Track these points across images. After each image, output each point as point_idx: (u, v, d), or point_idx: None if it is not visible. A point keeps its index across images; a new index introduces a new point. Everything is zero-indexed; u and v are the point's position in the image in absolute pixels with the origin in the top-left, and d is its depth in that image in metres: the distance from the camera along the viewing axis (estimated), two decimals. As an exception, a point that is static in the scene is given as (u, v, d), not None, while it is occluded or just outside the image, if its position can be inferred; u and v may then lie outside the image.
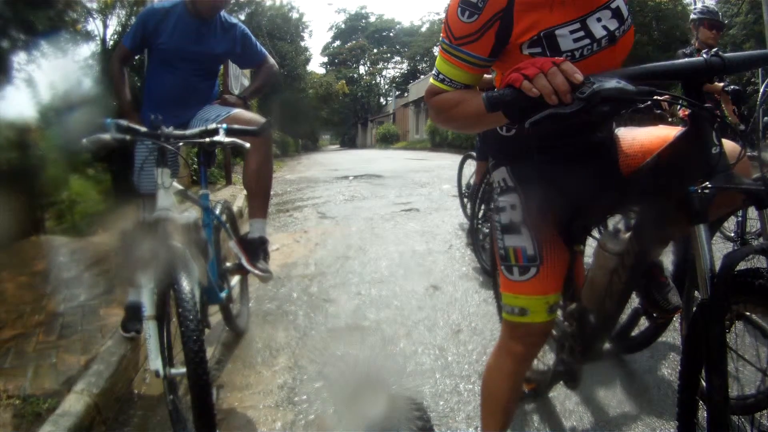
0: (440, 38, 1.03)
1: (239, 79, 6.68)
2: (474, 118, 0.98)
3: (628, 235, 1.15)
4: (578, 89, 0.78)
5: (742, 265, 0.87)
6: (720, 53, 0.86)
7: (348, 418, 1.65)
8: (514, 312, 1.15)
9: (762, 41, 7.13)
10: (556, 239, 1.14)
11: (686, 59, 0.91)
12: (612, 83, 0.77)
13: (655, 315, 1.26)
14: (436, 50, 35.88)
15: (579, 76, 0.78)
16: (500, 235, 1.17)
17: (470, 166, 4.10)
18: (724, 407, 0.84)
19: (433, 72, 1.05)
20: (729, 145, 0.96)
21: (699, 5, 3.41)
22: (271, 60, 2.41)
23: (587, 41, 0.97)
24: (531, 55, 0.97)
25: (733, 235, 2.98)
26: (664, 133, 1.10)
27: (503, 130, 1.14)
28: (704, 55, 0.87)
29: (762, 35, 6.86)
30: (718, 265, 0.86)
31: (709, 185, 0.86)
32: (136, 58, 2.47)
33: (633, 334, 1.73)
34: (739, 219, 2.88)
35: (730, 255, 0.85)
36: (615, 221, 1.38)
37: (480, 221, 3.30)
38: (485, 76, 1.13)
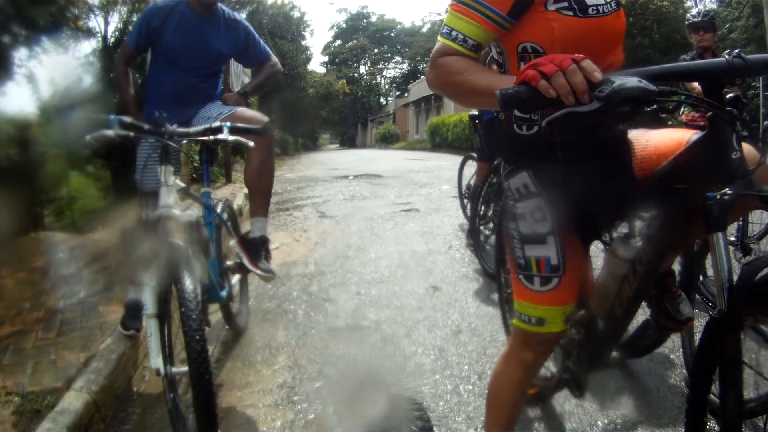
0: None
1: (240, 77, 6.67)
2: (477, 92, 0.95)
3: (640, 241, 1.11)
4: (597, 88, 0.75)
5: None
6: (743, 54, 0.83)
7: (348, 418, 1.65)
8: (531, 322, 1.11)
9: (763, 45, 7.15)
10: (577, 246, 1.10)
11: (709, 60, 0.88)
12: (633, 82, 0.74)
13: (665, 326, 1.21)
14: (436, 51, 35.71)
15: (599, 75, 0.75)
16: (519, 245, 1.10)
17: (471, 167, 4.10)
18: (737, 422, 0.81)
19: (443, 31, 0.99)
20: (746, 149, 0.92)
21: (697, 9, 3.39)
22: (275, 58, 2.40)
23: None
24: (557, 10, 0.95)
25: (733, 239, 2.98)
26: (678, 136, 1.07)
27: (523, 129, 1.07)
28: (726, 56, 0.84)
29: (763, 39, 6.88)
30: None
31: (730, 191, 0.82)
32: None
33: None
34: (740, 223, 2.88)
35: (749, 265, 0.83)
36: (627, 226, 1.35)
37: (481, 222, 3.30)
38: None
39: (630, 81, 0.74)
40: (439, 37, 1.01)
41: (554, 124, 0.76)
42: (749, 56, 0.83)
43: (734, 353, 0.82)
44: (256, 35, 2.33)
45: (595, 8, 0.96)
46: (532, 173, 1.08)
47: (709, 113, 0.86)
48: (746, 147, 0.93)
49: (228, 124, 1.69)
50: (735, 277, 0.85)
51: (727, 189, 0.83)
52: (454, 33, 0.98)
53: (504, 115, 1.09)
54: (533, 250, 1.08)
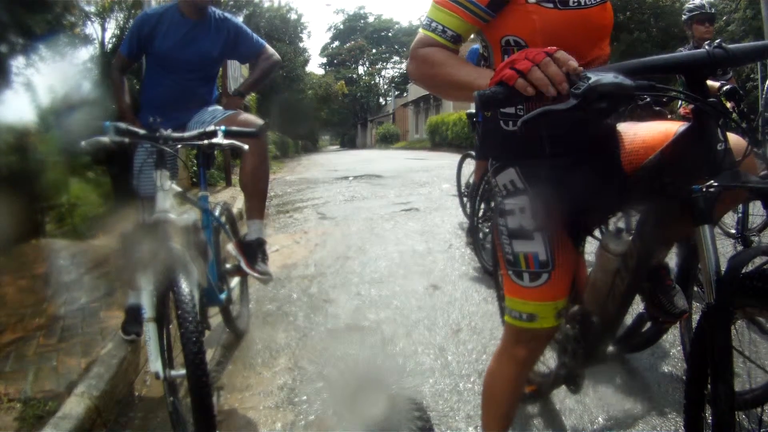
0: None
1: (238, 81, 6.69)
2: (455, 85, 0.96)
3: (630, 235, 1.11)
4: (574, 85, 0.74)
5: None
6: (723, 44, 0.83)
7: (348, 419, 1.65)
8: (522, 318, 1.11)
9: (760, 37, 7.11)
10: (566, 242, 1.10)
11: (688, 51, 0.88)
12: (609, 78, 0.73)
13: (660, 319, 1.21)
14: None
15: (573, 63, 0.76)
16: (507, 240, 1.10)
17: (469, 165, 4.10)
18: (729, 415, 0.81)
19: (423, 22, 1.01)
20: (733, 140, 0.93)
21: (700, 0, 3.36)
22: (270, 50, 2.35)
23: None
24: (537, 3, 0.95)
25: (734, 231, 2.97)
26: (665, 128, 1.06)
27: (509, 125, 1.06)
28: (707, 47, 0.84)
29: (760, 31, 6.85)
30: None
31: (715, 184, 0.82)
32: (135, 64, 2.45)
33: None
34: (740, 215, 2.87)
35: (736, 257, 0.82)
36: (617, 221, 1.34)
37: (480, 220, 3.30)
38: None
39: (606, 77, 0.73)
40: (419, 29, 1.02)
41: (529, 124, 0.76)
42: (730, 46, 0.83)
43: (724, 346, 0.81)
44: (248, 30, 2.31)
45: (576, 1, 0.96)
46: (519, 169, 1.08)
47: (692, 105, 0.86)
48: (733, 138, 0.93)
49: (222, 127, 1.70)
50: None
51: (712, 181, 0.82)
52: (433, 24, 0.99)
53: (489, 112, 1.10)
54: (521, 246, 1.09)
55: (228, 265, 2.16)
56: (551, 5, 0.95)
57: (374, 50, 42.30)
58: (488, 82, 0.83)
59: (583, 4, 0.97)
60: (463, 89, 0.93)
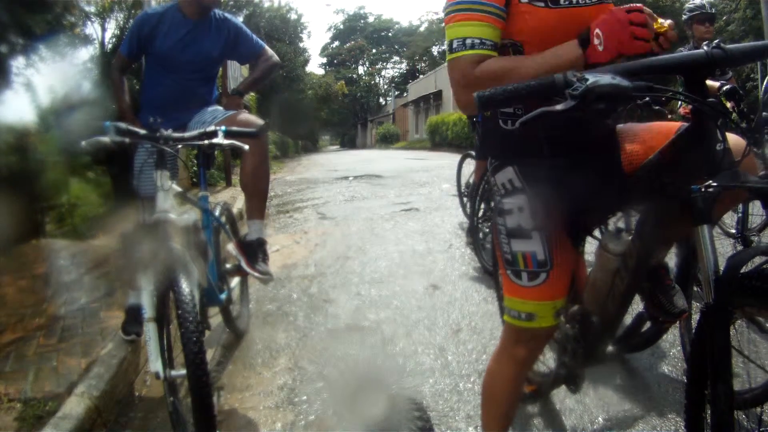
0: (450, 8, 0.98)
1: (238, 81, 6.69)
2: (548, 72, 0.90)
3: (630, 235, 1.11)
4: (571, 87, 0.75)
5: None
6: (722, 45, 0.83)
7: (348, 419, 1.65)
8: (521, 317, 1.12)
9: (760, 37, 7.11)
10: (564, 242, 1.10)
11: (687, 52, 0.88)
12: (606, 79, 0.74)
13: (660, 319, 1.21)
14: (435, 50, 35.82)
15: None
16: (506, 239, 1.10)
17: (469, 165, 4.10)
18: (729, 415, 0.81)
19: (454, 46, 0.97)
20: (733, 140, 0.93)
21: (691, 3, 3.36)
22: (270, 51, 2.36)
23: None
24: (529, 2, 0.96)
25: (734, 231, 2.97)
26: (665, 129, 1.07)
27: (508, 124, 1.07)
28: (705, 47, 0.84)
29: (760, 31, 6.85)
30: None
31: (713, 184, 0.82)
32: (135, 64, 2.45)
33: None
34: (740, 215, 2.87)
35: (735, 257, 0.82)
36: (617, 221, 1.34)
37: (480, 220, 3.30)
38: None
39: (603, 78, 0.74)
40: (453, 55, 0.98)
41: (528, 125, 0.77)
42: (729, 46, 0.84)
43: (724, 345, 0.82)
44: (248, 31, 2.32)
45: (568, 0, 0.97)
46: (518, 169, 1.08)
47: (691, 106, 0.87)
48: (733, 138, 0.93)
49: (222, 128, 1.70)
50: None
51: (711, 181, 0.83)
52: (468, 41, 0.96)
53: (489, 112, 1.10)
54: (519, 245, 1.09)
55: (228, 265, 2.16)
56: (542, 4, 0.96)
57: (374, 50, 42.30)
58: (579, 53, 0.90)
59: (575, 2, 0.97)
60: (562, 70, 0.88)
